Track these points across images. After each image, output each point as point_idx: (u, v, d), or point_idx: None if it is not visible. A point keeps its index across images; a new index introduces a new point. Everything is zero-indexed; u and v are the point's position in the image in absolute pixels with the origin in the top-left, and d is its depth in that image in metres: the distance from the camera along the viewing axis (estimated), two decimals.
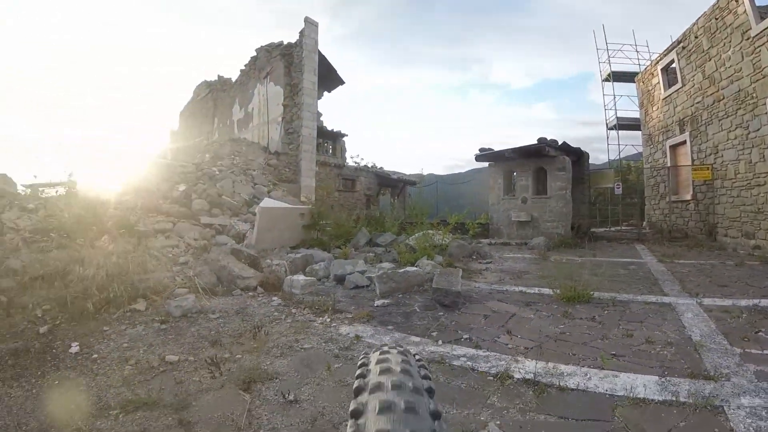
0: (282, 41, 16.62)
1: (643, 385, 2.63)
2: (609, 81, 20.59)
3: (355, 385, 0.85)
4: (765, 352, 3.17)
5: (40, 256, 5.32)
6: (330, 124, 19.56)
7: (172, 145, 24.72)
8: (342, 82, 18.45)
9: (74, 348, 3.38)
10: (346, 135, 19.50)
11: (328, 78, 17.96)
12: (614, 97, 20.37)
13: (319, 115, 18.77)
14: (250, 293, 5.28)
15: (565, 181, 12.05)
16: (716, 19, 10.63)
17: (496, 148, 13.56)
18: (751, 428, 2.08)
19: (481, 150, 13.94)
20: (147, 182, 9.82)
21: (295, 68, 15.63)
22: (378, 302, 4.87)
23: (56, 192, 8.62)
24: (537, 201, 12.62)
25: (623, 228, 15.64)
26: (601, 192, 16.55)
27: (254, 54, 18.13)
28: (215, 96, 22.71)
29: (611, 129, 20.94)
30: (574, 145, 12.57)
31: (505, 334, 3.78)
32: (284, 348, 3.43)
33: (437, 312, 4.47)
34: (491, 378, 2.81)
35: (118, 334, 3.69)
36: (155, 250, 6.05)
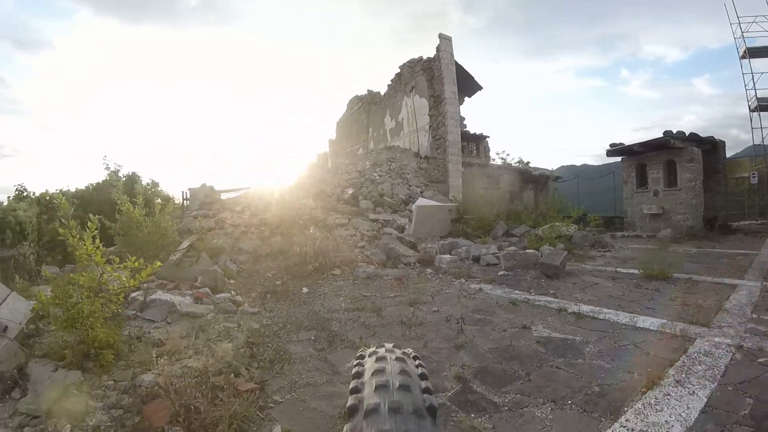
0: (422, 56, 18.76)
1: (651, 322, 3.78)
2: (746, 58, 17.71)
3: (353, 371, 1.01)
4: None
5: (260, 242, 8.15)
6: (473, 126, 21.04)
7: (330, 149, 29.05)
8: (480, 88, 19.80)
9: (305, 290, 5.73)
10: (488, 136, 20.70)
11: (467, 84, 19.48)
12: (752, 76, 17.41)
13: (462, 119, 20.43)
14: (410, 267, 7.27)
15: (695, 173, 11.52)
16: None
17: (653, 133, 13.41)
18: (703, 348, 3.08)
19: (612, 145, 13.96)
20: (323, 187, 12.85)
21: (436, 81, 17.58)
22: (500, 273, 6.46)
23: (236, 195, 11.96)
24: (668, 193, 12.25)
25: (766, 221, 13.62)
26: (741, 182, 14.62)
27: (398, 71, 20.70)
28: (367, 108, 26.11)
29: (753, 111, 17.88)
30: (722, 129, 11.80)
31: (580, 292, 5.05)
32: (433, 292, 5.28)
33: (541, 280, 5.94)
34: (553, 310, 4.31)
35: (328, 285, 5.97)
36: (341, 238, 8.52)
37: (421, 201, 11.31)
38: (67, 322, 2.75)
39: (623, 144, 13.59)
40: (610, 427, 2.10)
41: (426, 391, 0.98)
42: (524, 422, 2.21)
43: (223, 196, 12.27)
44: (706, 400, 2.30)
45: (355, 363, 1.08)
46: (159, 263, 3.32)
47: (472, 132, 19.49)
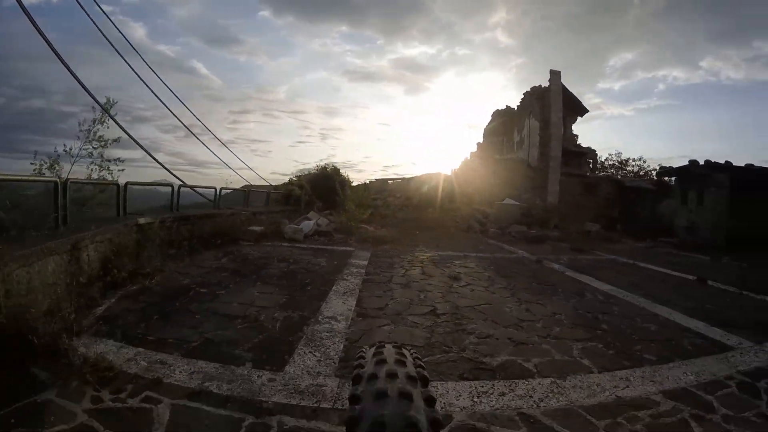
0: (540, 85, 25.54)
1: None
2: None
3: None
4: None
5: (404, 213, 17.15)
6: (586, 141, 26.97)
7: (477, 151, 36.90)
8: (586, 111, 25.82)
9: (418, 234, 14.43)
10: (592, 150, 26.61)
11: (577, 107, 25.72)
12: None
13: (576, 137, 26.82)
14: (475, 231, 15.42)
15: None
16: None
17: None
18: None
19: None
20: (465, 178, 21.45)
21: (546, 107, 24.36)
22: (513, 234, 14.26)
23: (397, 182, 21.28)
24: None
25: None
26: None
27: (522, 96, 27.76)
28: (504, 121, 33.35)
29: None
30: None
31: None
32: (471, 237, 13.51)
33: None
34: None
35: (427, 233, 14.53)
36: (472, 214, 17.06)
37: (507, 201, 19.00)
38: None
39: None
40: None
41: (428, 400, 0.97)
42: None
43: (390, 181, 22.10)
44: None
45: (355, 365, 1.13)
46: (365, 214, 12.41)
47: (574, 149, 25.71)
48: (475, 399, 2.88)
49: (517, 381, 3.19)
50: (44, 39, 6.89)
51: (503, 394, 2.98)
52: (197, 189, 10.09)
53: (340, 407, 2.64)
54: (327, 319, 4.41)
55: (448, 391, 2.95)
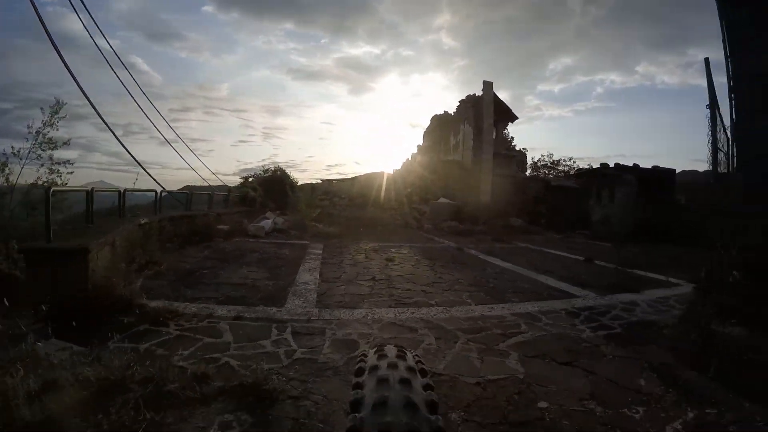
0: (474, 94, 28.55)
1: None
2: None
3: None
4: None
5: (349, 212, 19.38)
6: (525, 141, 30.58)
7: (418, 152, 39.58)
8: (515, 117, 29.22)
9: (362, 230, 16.67)
10: (523, 153, 30.14)
11: (508, 115, 29.03)
12: None
13: (512, 140, 30.29)
14: (413, 228, 17.88)
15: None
16: None
17: None
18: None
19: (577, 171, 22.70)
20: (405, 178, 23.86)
21: (478, 115, 27.37)
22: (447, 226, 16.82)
23: (342, 182, 23.56)
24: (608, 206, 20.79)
25: None
26: None
27: (458, 103, 30.74)
28: (441, 125, 36.29)
29: None
30: None
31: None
32: (408, 233, 15.93)
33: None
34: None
35: (370, 230, 16.81)
36: (410, 212, 19.40)
37: (441, 200, 21.64)
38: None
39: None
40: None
41: (427, 387, 1.16)
42: None
43: (334, 182, 24.24)
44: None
45: (357, 360, 1.25)
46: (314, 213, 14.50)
47: (505, 152, 29.01)
48: (397, 315, 5.18)
49: (422, 308, 5.53)
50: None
51: (413, 312, 5.30)
52: (175, 193, 11.78)
53: (321, 321, 4.81)
54: (302, 284, 6.58)
55: (382, 312, 5.23)
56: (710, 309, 4.89)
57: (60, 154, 8.47)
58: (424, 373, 1.27)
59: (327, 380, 3.34)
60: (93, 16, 10.96)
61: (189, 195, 12.29)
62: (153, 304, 5.03)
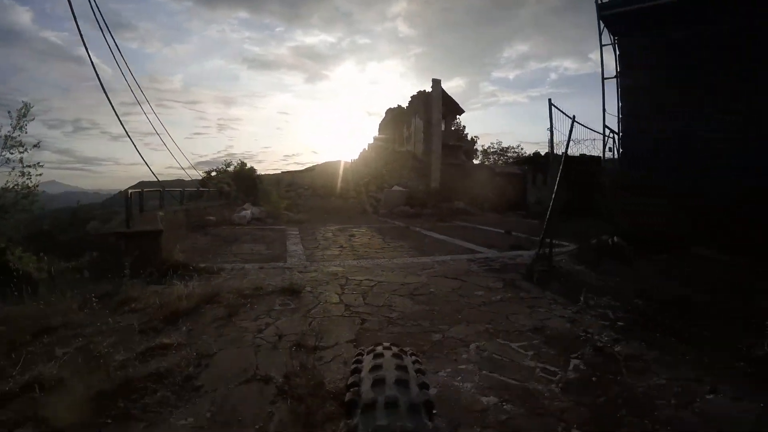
0: (425, 90, 31.82)
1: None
2: None
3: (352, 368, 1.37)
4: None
5: (313, 202, 22.33)
6: (480, 127, 34.08)
7: (374, 143, 42.55)
8: (462, 111, 32.88)
9: (326, 216, 19.67)
10: (471, 142, 33.80)
11: (455, 109, 32.61)
12: None
13: (463, 129, 33.86)
14: (366, 213, 21.02)
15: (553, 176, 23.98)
16: None
17: None
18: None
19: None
20: (353, 174, 26.84)
21: (428, 109, 30.68)
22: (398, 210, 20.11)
23: (302, 172, 26.45)
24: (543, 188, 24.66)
25: None
26: None
27: (410, 98, 33.98)
28: (395, 118, 39.45)
29: None
30: None
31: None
32: (366, 217, 19.08)
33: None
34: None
35: (333, 214, 19.82)
36: (367, 200, 22.45)
37: (395, 188, 24.86)
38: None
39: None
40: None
41: (422, 386, 1.12)
42: None
43: (296, 173, 27.05)
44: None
45: (353, 360, 1.24)
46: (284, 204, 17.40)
47: (463, 139, 32.58)
48: (359, 262, 8.36)
49: (375, 259, 8.78)
50: None
51: (368, 261, 8.50)
52: (170, 190, 14.41)
53: (312, 267, 7.86)
54: (292, 251, 9.66)
55: (349, 261, 8.40)
56: (564, 258, 8.31)
57: (10, 155, 8.90)
58: (420, 373, 1.31)
59: (322, 284, 6.55)
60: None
61: (182, 191, 14.94)
62: (202, 264, 7.93)
